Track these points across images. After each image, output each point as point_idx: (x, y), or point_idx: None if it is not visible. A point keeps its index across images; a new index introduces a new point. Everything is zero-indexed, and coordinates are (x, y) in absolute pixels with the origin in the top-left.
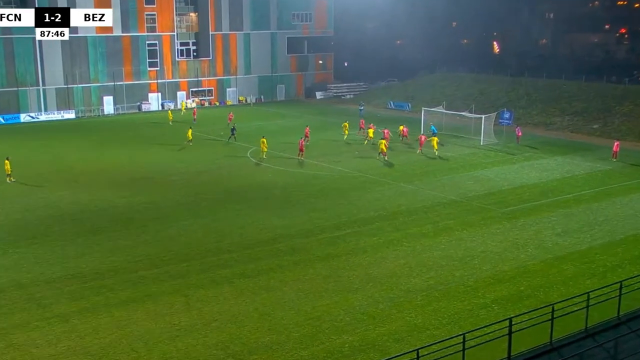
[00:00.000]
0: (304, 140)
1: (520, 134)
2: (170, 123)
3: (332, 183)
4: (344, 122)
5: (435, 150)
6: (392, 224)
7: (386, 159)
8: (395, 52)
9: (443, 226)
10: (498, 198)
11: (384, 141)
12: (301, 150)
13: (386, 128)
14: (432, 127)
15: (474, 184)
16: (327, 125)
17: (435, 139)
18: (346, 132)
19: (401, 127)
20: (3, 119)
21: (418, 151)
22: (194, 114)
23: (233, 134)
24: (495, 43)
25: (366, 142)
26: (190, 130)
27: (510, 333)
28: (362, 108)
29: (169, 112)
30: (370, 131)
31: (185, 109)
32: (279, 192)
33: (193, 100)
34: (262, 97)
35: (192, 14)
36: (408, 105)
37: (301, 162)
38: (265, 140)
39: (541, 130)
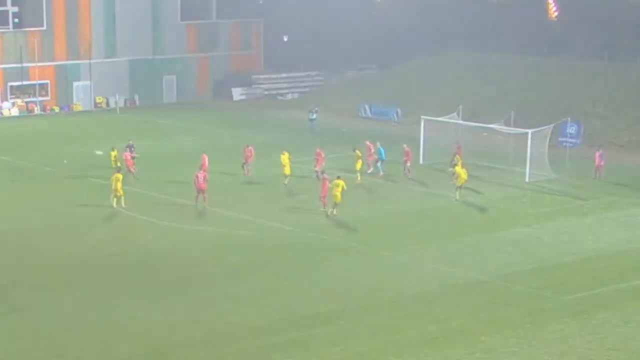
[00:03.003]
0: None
1: (601, 162)
2: None
3: (261, 251)
4: (284, 150)
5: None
6: (367, 325)
7: (334, 213)
8: (375, 19)
9: (459, 327)
10: (557, 277)
11: (341, 183)
12: (201, 189)
13: (321, 150)
14: (380, 150)
15: (514, 252)
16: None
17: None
18: (287, 170)
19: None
20: None
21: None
22: None
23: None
24: (551, 2)
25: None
26: (114, 153)
27: None
28: (314, 117)
29: None
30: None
31: None
32: (165, 267)
33: (13, 104)
34: (137, 97)
35: None
36: (396, 113)
37: (201, 210)
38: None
39: (634, 157)
